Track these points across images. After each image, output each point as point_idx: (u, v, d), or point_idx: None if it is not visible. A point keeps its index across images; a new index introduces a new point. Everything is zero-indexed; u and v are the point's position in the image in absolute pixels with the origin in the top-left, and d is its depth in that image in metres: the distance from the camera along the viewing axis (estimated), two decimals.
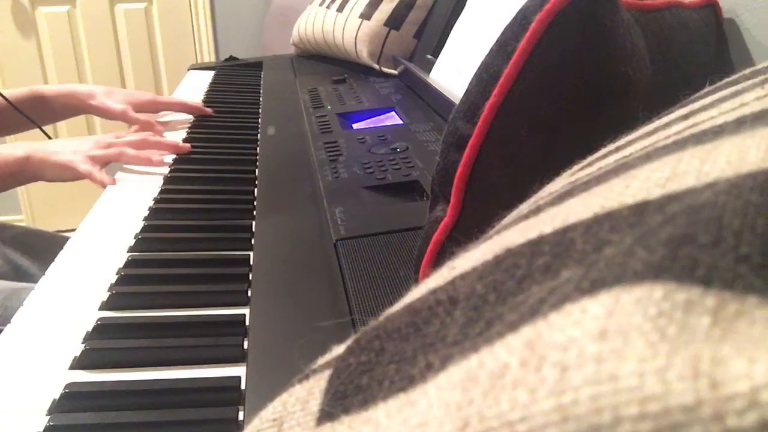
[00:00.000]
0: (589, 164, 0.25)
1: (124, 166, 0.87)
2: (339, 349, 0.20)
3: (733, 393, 0.10)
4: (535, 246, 0.17)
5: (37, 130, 1.03)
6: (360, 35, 1.27)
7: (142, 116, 1.01)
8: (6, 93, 0.99)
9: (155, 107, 1.08)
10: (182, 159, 0.88)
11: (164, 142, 0.90)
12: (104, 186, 0.82)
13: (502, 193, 0.38)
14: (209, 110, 1.08)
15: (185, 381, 0.44)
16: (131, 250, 0.62)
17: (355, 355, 0.18)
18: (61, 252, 0.62)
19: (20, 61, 2.27)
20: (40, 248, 0.96)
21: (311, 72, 1.38)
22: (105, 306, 0.52)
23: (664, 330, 0.11)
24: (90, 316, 0.51)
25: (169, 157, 0.89)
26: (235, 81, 1.38)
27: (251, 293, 0.53)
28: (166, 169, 0.84)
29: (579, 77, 0.37)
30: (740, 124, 0.19)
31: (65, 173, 0.85)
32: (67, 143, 0.87)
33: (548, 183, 0.27)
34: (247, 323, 0.50)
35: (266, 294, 0.53)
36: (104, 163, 0.86)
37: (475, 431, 0.12)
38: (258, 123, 1.05)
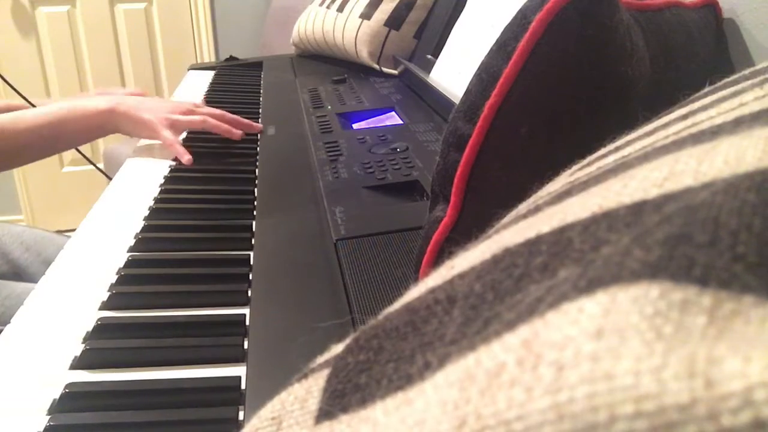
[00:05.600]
0: (589, 164, 0.25)
1: (129, 160, 0.88)
2: (338, 348, 0.20)
3: (728, 392, 0.10)
4: (533, 245, 0.17)
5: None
6: (360, 35, 1.27)
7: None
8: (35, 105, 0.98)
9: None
10: None
11: (241, 120, 0.93)
12: (181, 158, 0.84)
13: (502, 193, 0.38)
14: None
15: (185, 381, 0.44)
16: (131, 250, 0.62)
17: (354, 354, 0.18)
18: (61, 252, 0.62)
19: (20, 61, 2.27)
20: (40, 248, 0.96)
21: (311, 72, 1.38)
22: (105, 306, 0.52)
23: (660, 329, 0.11)
24: (90, 316, 0.51)
25: (170, 156, 0.89)
26: (235, 81, 1.38)
27: (251, 293, 0.53)
28: (166, 170, 0.84)
29: (579, 77, 0.37)
30: (738, 125, 0.19)
31: (144, 131, 0.87)
32: (147, 101, 0.89)
33: (548, 183, 0.27)
34: (247, 323, 0.50)
35: (266, 294, 0.53)
36: (186, 129, 0.89)
37: (472, 430, 0.12)
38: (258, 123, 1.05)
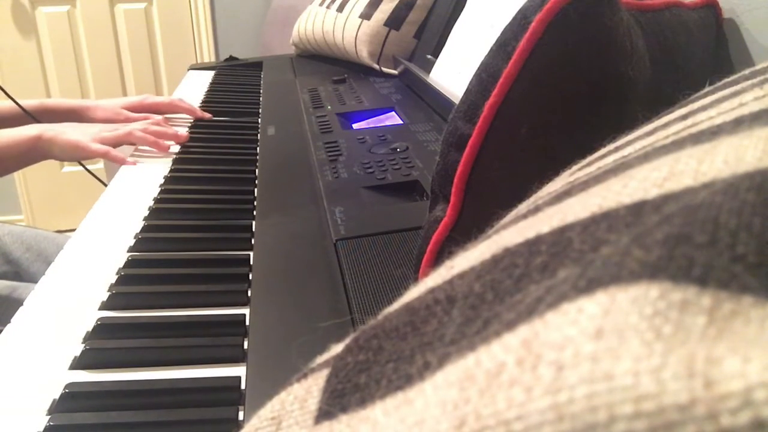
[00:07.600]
0: (589, 164, 0.25)
1: (129, 159, 0.89)
2: (338, 348, 0.20)
3: (727, 392, 0.10)
4: (533, 245, 0.17)
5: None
6: (360, 35, 1.27)
7: (140, 116, 1.07)
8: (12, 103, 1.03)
9: (145, 108, 1.10)
10: (182, 159, 0.88)
11: (167, 130, 0.94)
12: (121, 163, 0.87)
13: (502, 193, 0.38)
14: (207, 115, 1.09)
15: (185, 381, 0.44)
16: (131, 250, 0.62)
17: (354, 354, 0.18)
18: (61, 252, 0.62)
19: (20, 61, 2.27)
20: (40, 248, 0.97)
21: (311, 72, 1.38)
22: (105, 306, 0.52)
23: (659, 329, 0.11)
24: (90, 316, 0.51)
25: (170, 157, 0.89)
26: (235, 81, 1.38)
27: (251, 293, 0.53)
28: (166, 169, 0.84)
29: (579, 77, 0.37)
30: (738, 125, 0.19)
31: (76, 152, 0.89)
32: (75, 126, 0.93)
33: (548, 183, 0.27)
34: (247, 323, 0.50)
35: (266, 294, 0.53)
36: (115, 143, 0.91)
37: (472, 430, 0.12)
38: (258, 123, 1.05)
